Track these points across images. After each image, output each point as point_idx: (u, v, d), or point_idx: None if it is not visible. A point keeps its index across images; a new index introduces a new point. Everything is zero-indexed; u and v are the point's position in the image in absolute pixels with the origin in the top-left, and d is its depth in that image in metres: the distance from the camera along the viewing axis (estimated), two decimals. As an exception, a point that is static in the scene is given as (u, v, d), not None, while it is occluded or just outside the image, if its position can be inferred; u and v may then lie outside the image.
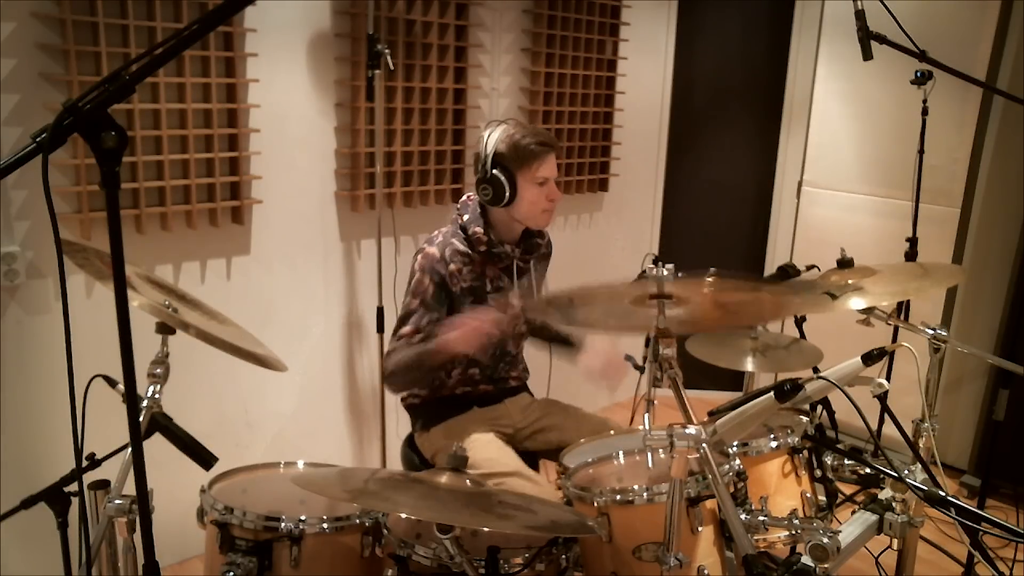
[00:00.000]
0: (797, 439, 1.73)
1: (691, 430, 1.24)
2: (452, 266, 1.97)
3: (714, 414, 1.69)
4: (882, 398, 1.74)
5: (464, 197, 2.09)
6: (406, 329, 1.96)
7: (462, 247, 2.00)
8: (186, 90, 2.37)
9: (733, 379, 4.11)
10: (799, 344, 2.26)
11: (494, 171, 1.94)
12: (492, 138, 1.97)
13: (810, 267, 2.30)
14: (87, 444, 1.28)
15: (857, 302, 1.92)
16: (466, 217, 2.02)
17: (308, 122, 2.74)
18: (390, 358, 1.96)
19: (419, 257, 1.99)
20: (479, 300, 2.01)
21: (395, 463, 2.79)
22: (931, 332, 1.90)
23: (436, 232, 2.04)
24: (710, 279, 1.42)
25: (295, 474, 1.73)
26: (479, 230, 1.99)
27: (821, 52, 3.69)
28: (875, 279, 2.04)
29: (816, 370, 2.07)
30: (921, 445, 1.88)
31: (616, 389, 2.14)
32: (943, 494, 1.48)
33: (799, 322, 2.46)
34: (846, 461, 1.77)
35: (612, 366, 2.10)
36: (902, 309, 2.96)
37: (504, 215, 2.01)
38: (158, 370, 1.54)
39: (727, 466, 1.55)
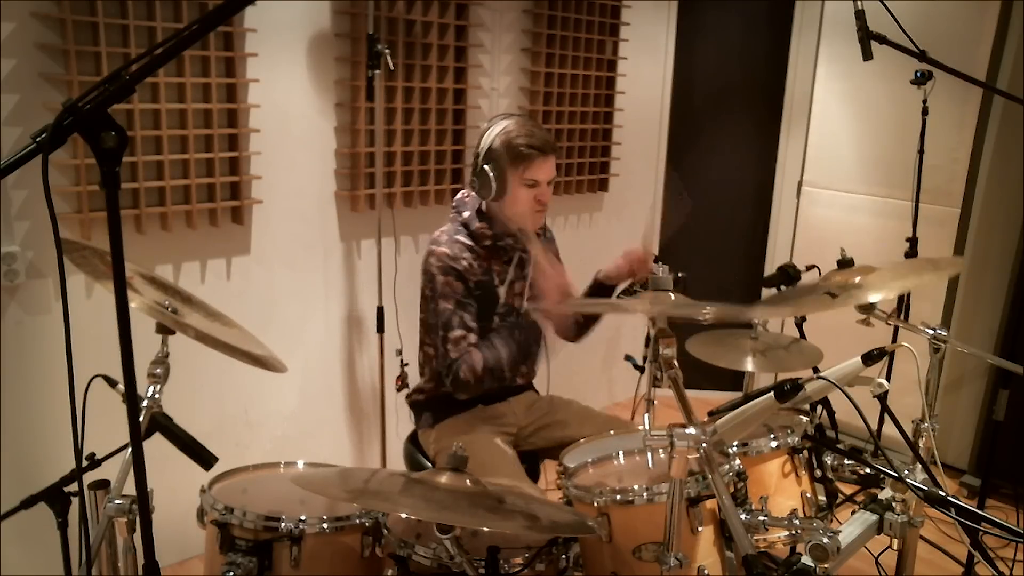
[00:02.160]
0: (797, 439, 1.72)
1: (691, 430, 1.23)
2: (464, 262, 1.98)
3: (714, 414, 1.70)
4: (882, 398, 1.74)
5: (460, 194, 2.09)
6: (456, 333, 1.93)
7: (468, 242, 2.01)
8: (186, 90, 2.37)
9: (733, 379, 4.11)
10: (799, 344, 2.25)
11: (485, 165, 1.96)
12: (492, 131, 1.98)
13: (810, 267, 2.29)
14: (87, 444, 1.28)
15: (861, 295, 1.91)
16: (466, 214, 2.03)
17: (308, 122, 2.74)
18: (465, 366, 1.91)
19: (432, 260, 1.97)
20: (488, 294, 2.01)
21: (395, 463, 2.79)
22: (931, 332, 1.90)
23: (438, 232, 2.04)
24: (707, 311, 1.41)
25: (295, 474, 1.73)
26: (482, 225, 2.00)
27: (821, 52, 3.69)
28: (875, 275, 2.04)
29: (816, 370, 2.07)
30: (921, 445, 1.88)
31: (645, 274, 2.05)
32: (943, 494, 1.48)
33: (799, 322, 2.46)
34: (846, 461, 1.77)
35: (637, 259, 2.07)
36: (902, 309, 2.97)
37: (499, 209, 2.02)
38: (158, 370, 1.54)
39: (727, 466, 1.55)
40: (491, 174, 1.95)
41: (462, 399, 2.02)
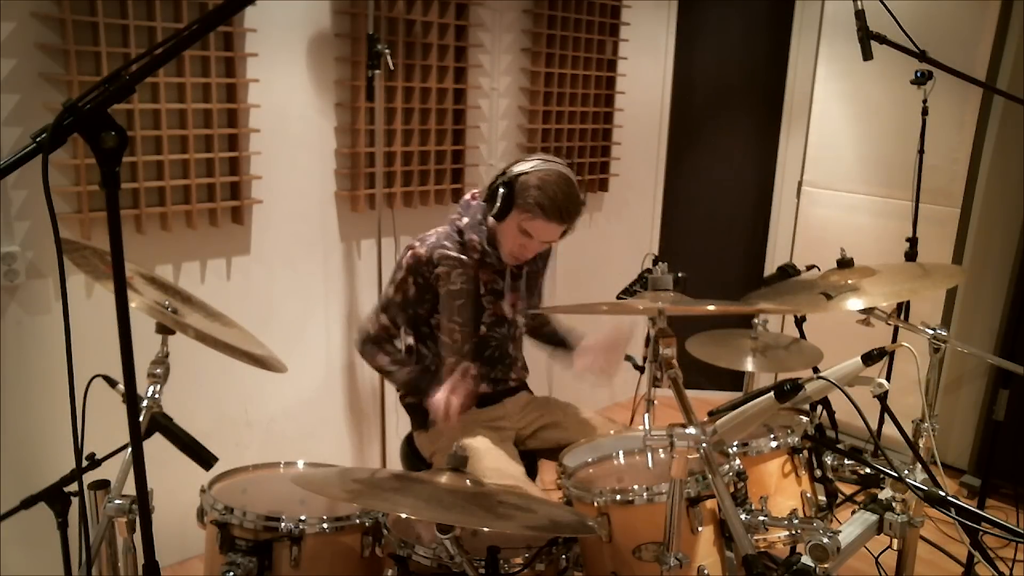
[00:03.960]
0: (797, 439, 1.73)
1: (691, 430, 1.24)
2: (439, 269, 1.96)
3: (714, 414, 1.70)
4: (882, 398, 1.74)
5: (467, 196, 2.06)
6: (384, 321, 2.02)
7: (454, 252, 1.98)
8: (186, 90, 2.37)
9: (733, 379, 4.11)
10: (799, 344, 2.25)
11: (500, 190, 1.90)
12: (528, 165, 1.90)
13: (810, 267, 2.30)
14: (87, 444, 1.28)
15: (855, 302, 1.91)
16: (465, 220, 2.00)
17: (308, 122, 2.74)
18: (372, 350, 2.04)
19: (408, 254, 1.98)
20: (472, 303, 2.01)
21: (395, 463, 2.79)
22: (931, 332, 1.90)
23: (431, 231, 2.03)
24: (711, 307, 1.42)
25: (295, 474, 1.73)
26: (475, 238, 1.97)
27: (821, 52, 3.69)
28: (873, 279, 2.04)
29: (816, 370, 2.07)
30: (921, 445, 1.88)
31: (614, 376, 2.10)
32: (943, 494, 1.48)
33: (799, 322, 2.46)
34: (846, 461, 1.77)
35: (606, 359, 2.08)
36: (902, 309, 2.96)
37: (493, 226, 1.99)
38: (158, 370, 1.54)
39: (727, 466, 1.55)
40: (499, 200, 1.90)
41: None
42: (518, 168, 1.90)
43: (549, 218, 1.87)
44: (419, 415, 2.12)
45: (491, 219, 1.96)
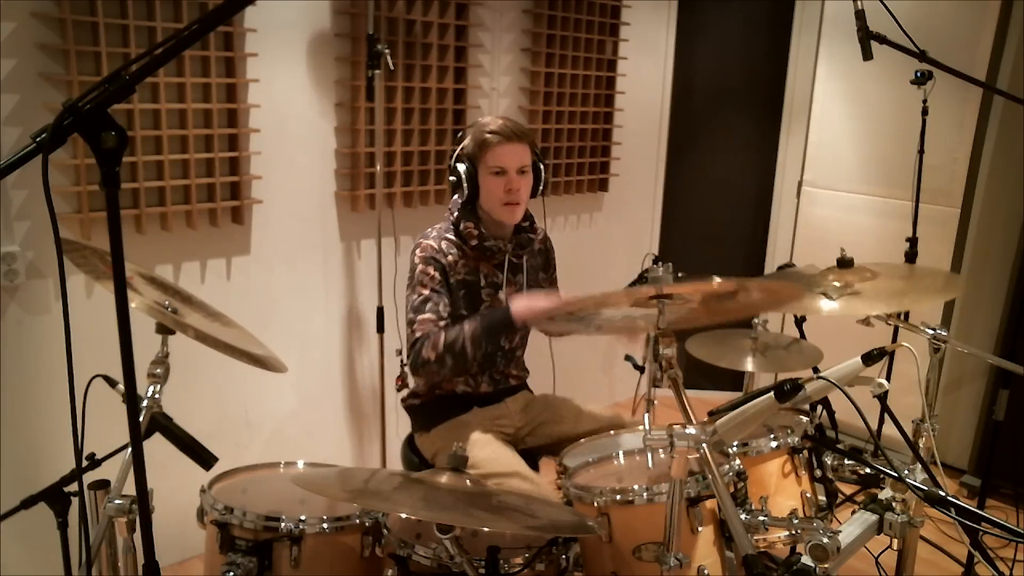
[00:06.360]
0: (797, 439, 1.73)
1: (691, 430, 1.24)
2: (449, 257, 1.99)
3: (714, 414, 1.70)
4: (882, 398, 1.74)
5: (456, 196, 2.09)
6: (427, 316, 1.93)
7: (456, 240, 2.02)
8: (186, 90, 2.37)
9: (733, 379, 4.11)
10: (799, 344, 2.25)
11: (458, 164, 1.99)
12: (467, 133, 2.01)
13: (810, 267, 2.30)
14: (87, 444, 1.28)
15: (853, 307, 1.91)
16: (456, 214, 2.03)
17: (308, 122, 2.74)
18: (428, 343, 1.89)
19: (418, 251, 2.00)
20: (473, 295, 2.02)
21: (395, 463, 2.79)
22: (931, 332, 1.90)
23: (430, 228, 2.06)
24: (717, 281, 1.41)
25: (295, 474, 1.73)
26: (470, 224, 2.00)
27: (821, 52, 3.69)
28: (872, 284, 2.03)
29: (816, 370, 2.07)
30: (921, 445, 1.88)
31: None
32: (943, 494, 1.48)
33: (799, 322, 2.46)
34: (846, 461, 1.77)
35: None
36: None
37: (480, 207, 2.03)
38: (158, 370, 1.54)
39: (727, 466, 1.55)
40: (462, 171, 1.97)
41: (422, 381, 2.08)
42: (461, 141, 2.01)
43: (507, 139, 1.95)
44: (421, 416, 2.12)
45: (470, 201, 2.00)
